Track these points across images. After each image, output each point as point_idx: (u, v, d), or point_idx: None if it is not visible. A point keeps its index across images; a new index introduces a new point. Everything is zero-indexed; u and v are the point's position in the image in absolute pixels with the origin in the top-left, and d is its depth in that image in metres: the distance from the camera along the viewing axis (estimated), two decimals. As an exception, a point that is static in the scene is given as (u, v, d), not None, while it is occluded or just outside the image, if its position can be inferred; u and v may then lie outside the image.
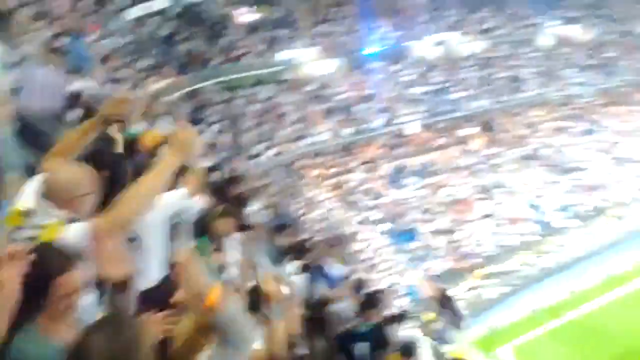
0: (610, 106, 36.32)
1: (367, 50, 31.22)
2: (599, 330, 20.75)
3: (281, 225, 10.10)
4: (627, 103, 37.07)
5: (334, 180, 26.62)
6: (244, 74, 27.24)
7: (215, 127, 24.91)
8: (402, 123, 29.09)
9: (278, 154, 25.93)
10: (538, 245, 25.07)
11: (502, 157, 30.39)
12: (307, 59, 29.46)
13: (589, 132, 33.65)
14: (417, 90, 30.78)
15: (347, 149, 28.25)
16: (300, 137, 26.85)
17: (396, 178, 27.82)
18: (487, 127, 32.31)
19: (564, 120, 34.46)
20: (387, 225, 24.92)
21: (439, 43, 33.55)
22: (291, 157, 26.45)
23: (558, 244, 25.30)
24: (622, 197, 28.54)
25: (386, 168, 28.13)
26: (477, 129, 31.93)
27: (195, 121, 24.25)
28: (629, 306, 22.09)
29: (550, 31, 37.91)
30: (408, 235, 24.74)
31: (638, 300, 22.55)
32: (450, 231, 25.05)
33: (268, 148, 25.73)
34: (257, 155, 25.16)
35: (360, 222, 24.50)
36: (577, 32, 38.77)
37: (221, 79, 26.20)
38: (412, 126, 29.28)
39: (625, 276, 24.00)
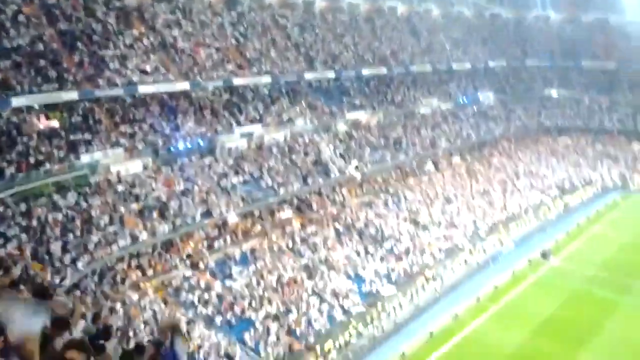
0: (404, 179, 40.49)
1: (174, 147, 31.15)
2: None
3: (105, 335, 9.15)
4: (417, 175, 41.65)
5: (157, 281, 25.30)
6: (43, 182, 25.25)
7: (14, 242, 22.40)
8: (220, 214, 29.02)
9: (90, 261, 23.98)
10: (365, 315, 26.10)
11: (319, 236, 31.74)
12: (112, 160, 28.43)
13: (391, 204, 36.90)
14: (231, 180, 31.20)
15: (166, 246, 27.25)
16: (113, 241, 25.21)
17: (221, 269, 27.40)
18: (301, 209, 33.73)
19: (367, 195, 37.42)
20: (219, 319, 24.14)
21: (245, 135, 34.79)
22: (106, 263, 24.67)
23: (382, 312, 26.61)
24: (430, 260, 31.33)
25: (210, 261, 27.58)
26: (292, 212, 33.15)
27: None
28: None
29: (343, 118, 41.59)
30: (241, 325, 24.20)
31: (459, 355, 24.42)
32: (282, 315, 25.00)
33: (78, 257, 23.68)
34: (66, 267, 22.99)
35: (191, 320, 23.37)
36: (366, 117, 43.14)
37: (17, 189, 23.95)
38: (230, 216, 29.37)
39: (448, 331, 25.96)
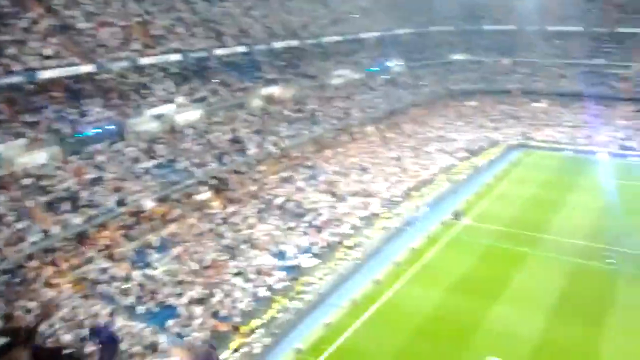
0: (321, 151, 41.00)
1: (82, 134, 29.95)
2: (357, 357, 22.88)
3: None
4: (334, 146, 42.29)
5: (73, 275, 24.53)
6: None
7: None
8: (135, 200, 28.39)
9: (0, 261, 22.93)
10: (288, 290, 26.53)
11: (240, 215, 31.77)
12: (15, 152, 27.01)
13: (309, 177, 37.37)
14: (144, 165, 30.50)
15: (81, 238, 26.37)
16: (22, 238, 24.17)
17: (140, 258, 26.93)
18: (219, 190, 33.53)
19: (285, 171, 37.65)
20: (141, 308, 23.84)
21: (157, 117, 33.93)
22: (16, 262, 23.62)
23: (306, 285, 27.14)
24: (350, 229, 32.12)
25: (128, 250, 27.03)
26: (210, 193, 32.91)
27: None
28: (378, 325, 24.74)
29: (257, 93, 41.38)
30: (165, 313, 24.00)
31: (382, 319, 25.37)
32: (205, 298, 24.97)
33: (-16, 258, 22.59)
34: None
35: (113, 312, 22.94)
36: (280, 91, 43.10)
37: None
38: (146, 202, 28.79)
39: (370, 297, 26.88)
